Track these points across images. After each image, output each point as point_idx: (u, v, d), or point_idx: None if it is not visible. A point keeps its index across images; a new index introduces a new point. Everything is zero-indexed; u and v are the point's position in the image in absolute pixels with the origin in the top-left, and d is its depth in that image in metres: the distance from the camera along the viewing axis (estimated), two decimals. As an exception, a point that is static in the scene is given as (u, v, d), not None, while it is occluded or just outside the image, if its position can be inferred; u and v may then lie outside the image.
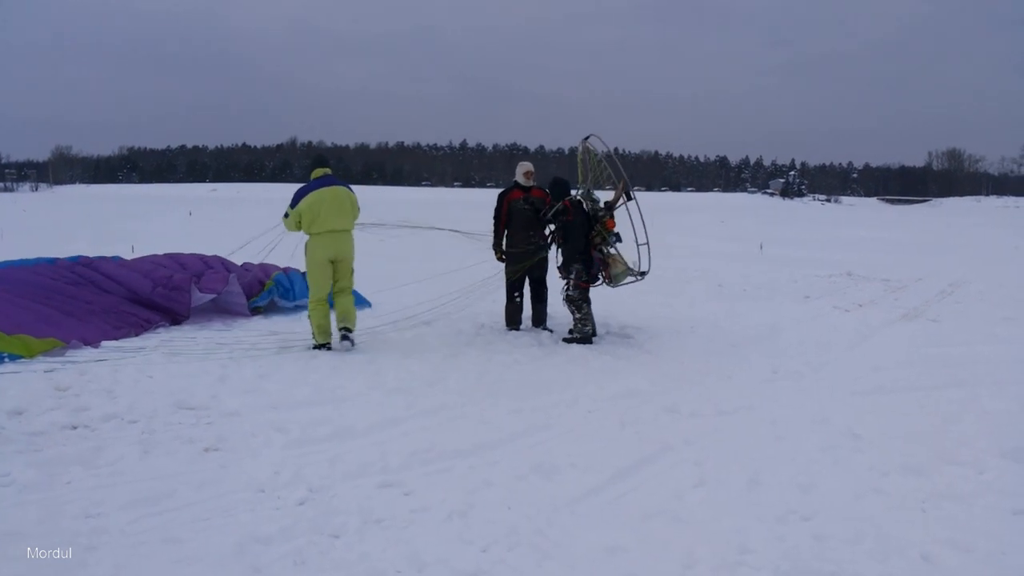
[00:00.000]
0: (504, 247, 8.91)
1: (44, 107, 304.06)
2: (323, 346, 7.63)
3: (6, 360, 6.48)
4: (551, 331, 8.91)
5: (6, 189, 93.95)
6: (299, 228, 7.76)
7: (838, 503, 4.29)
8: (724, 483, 4.53)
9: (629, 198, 8.58)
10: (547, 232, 8.88)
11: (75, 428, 5.08)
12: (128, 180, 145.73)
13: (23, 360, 6.57)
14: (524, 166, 9.05)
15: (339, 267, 7.84)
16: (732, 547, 3.74)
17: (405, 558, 3.54)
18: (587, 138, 8.71)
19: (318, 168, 7.97)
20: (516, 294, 8.97)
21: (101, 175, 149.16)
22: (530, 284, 9.00)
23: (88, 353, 7.00)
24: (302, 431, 5.17)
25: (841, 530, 3.94)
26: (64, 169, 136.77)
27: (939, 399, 6.47)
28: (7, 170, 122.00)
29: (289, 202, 7.76)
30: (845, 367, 7.63)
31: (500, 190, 9.27)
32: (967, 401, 6.39)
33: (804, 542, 3.82)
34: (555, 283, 8.92)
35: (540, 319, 9.06)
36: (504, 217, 8.84)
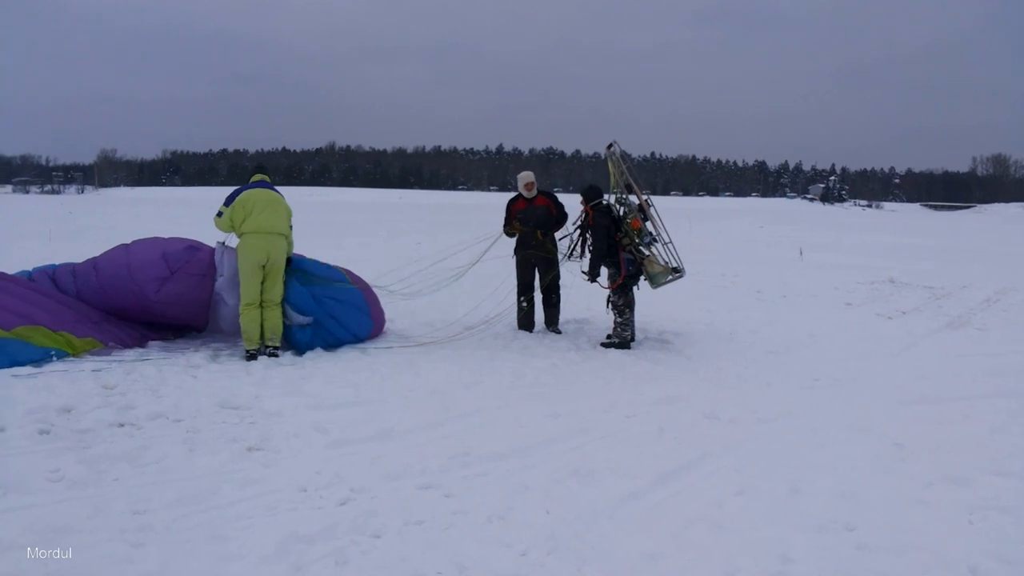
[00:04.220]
0: (513, 250, 9.14)
1: (91, 112, 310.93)
2: (252, 354, 7.29)
3: (54, 358, 6.63)
4: (560, 332, 8.99)
5: (53, 191, 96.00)
6: (232, 229, 7.56)
7: (882, 513, 4.23)
8: (765, 491, 4.48)
9: (648, 205, 8.56)
10: (562, 237, 9.07)
11: (122, 426, 5.18)
12: (171, 183, 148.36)
13: (71, 359, 6.71)
14: (525, 177, 9.17)
15: (269, 273, 7.47)
16: (773, 556, 3.70)
17: (446, 560, 3.56)
18: (610, 146, 8.73)
19: (256, 174, 7.98)
20: (523, 299, 9.08)
21: (145, 178, 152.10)
22: (541, 290, 9.09)
23: (134, 353, 7.14)
24: (342, 432, 5.22)
25: (885, 541, 3.88)
26: (109, 172, 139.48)
27: (986, 409, 6.35)
28: (54, 173, 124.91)
29: (223, 202, 7.63)
30: (888, 376, 7.51)
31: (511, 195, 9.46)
32: (1015, 411, 6.26)
33: (847, 552, 3.77)
34: (586, 288, 8.93)
35: (551, 321, 9.17)
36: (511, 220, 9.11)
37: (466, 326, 8.93)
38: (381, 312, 8.61)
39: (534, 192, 9.07)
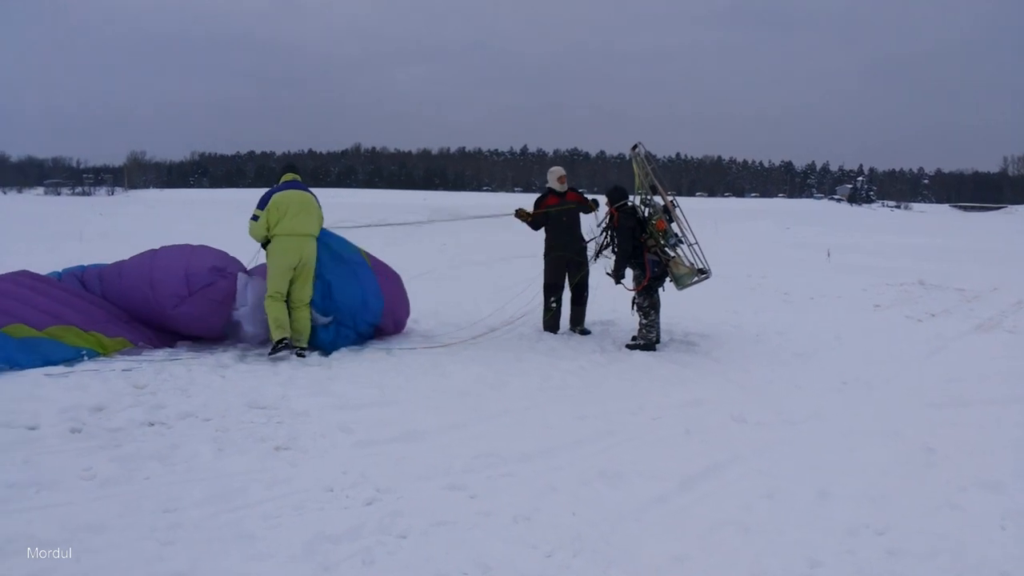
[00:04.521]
0: (544, 251, 9.07)
1: (120, 114, 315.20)
2: (283, 342, 7.27)
3: (85, 357, 6.72)
4: (589, 332, 8.97)
5: (84, 193, 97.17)
6: (267, 234, 7.51)
7: (912, 518, 4.17)
8: (793, 494, 4.45)
9: (673, 206, 8.52)
10: (589, 240, 9.04)
11: (152, 425, 5.25)
12: (199, 185, 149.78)
13: (103, 359, 6.80)
14: (556, 171, 9.20)
15: (300, 274, 7.53)
16: (802, 560, 3.67)
17: (471, 561, 3.56)
18: (635, 147, 8.72)
19: (287, 173, 7.90)
20: (553, 299, 9.04)
21: (173, 180, 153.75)
22: (571, 288, 9.06)
23: (163, 352, 7.22)
24: (368, 432, 5.25)
25: (916, 546, 3.83)
26: (138, 174, 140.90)
27: (1018, 413, 6.26)
28: (85, 175, 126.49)
29: (256, 205, 7.56)
30: (918, 378, 7.42)
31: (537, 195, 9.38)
32: (1048, 416, 6.15)
33: (877, 557, 3.73)
34: (612, 290, 8.91)
35: (578, 320, 9.11)
36: (539, 217, 9.00)
37: (490, 327, 8.94)
38: (404, 302, 8.58)
39: (566, 186, 9.08)
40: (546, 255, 9.05)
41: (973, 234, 38.81)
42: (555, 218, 8.93)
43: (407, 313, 8.72)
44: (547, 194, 9.16)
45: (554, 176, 9.13)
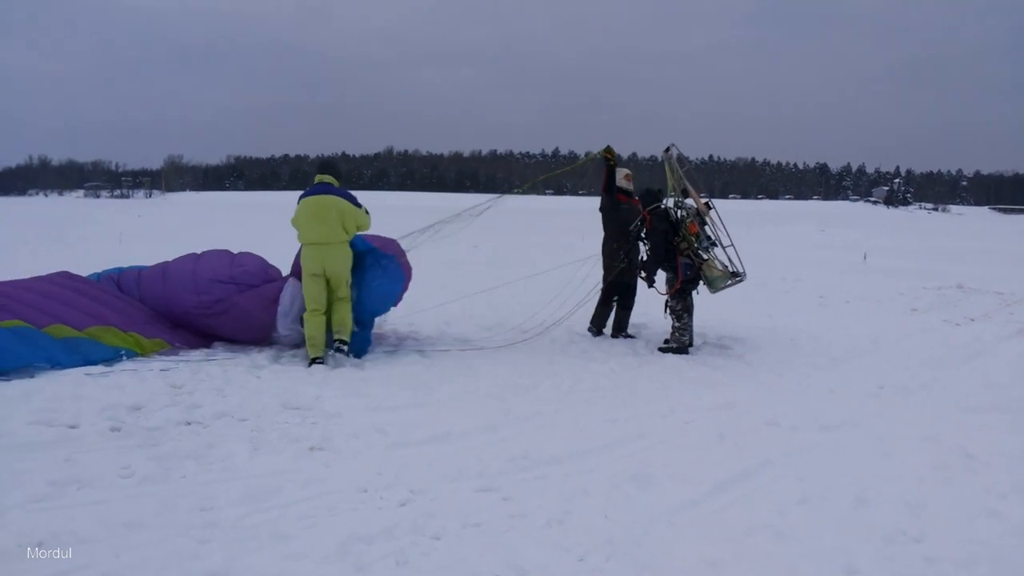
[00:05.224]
0: (605, 249, 9.03)
1: (158, 119, 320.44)
2: (316, 360, 7.15)
3: (124, 357, 6.83)
4: (634, 336, 8.94)
5: (123, 195, 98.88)
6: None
7: (951, 525, 4.10)
8: (828, 500, 4.39)
9: (709, 208, 8.47)
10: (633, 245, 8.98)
11: (189, 424, 5.32)
12: (234, 187, 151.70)
13: (140, 359, 6.91)
14: (622, 171, 9.11)
15: (330, 279, 7.40)
16: (838, 567, 3.63)
17: (504, 563, 3.56)
18: (668, 149, 8.68)
19: (317, 175, 7.61)
20: (615, 297, 8.99)
21: (210, 182, 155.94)
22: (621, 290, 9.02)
23: (200, 353, 7.32)
24: (401, 433, 5.27)
25: (954, 553, 3.77)
26: (176, 177, 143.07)
27: (1061, 419, 6.12)
28: (124, 178, 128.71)
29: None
30: (956, 383, 7.30)
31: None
32: (1092, 422, 6.02)
33: (915, 564, 3.67)
34: (644, 293, 8.88)
35: (622, 326, 9.07)
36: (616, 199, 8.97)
37: (523, 330, 8.94)
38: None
39: (631, 185, 9.10)
40: (609, 254, 8.97)
41: (1014, 237, 38.11)
42: (625, 215, 8.87)
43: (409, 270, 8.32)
44: (619, 190, 9.06)
45: (621, 175, 9.11)
